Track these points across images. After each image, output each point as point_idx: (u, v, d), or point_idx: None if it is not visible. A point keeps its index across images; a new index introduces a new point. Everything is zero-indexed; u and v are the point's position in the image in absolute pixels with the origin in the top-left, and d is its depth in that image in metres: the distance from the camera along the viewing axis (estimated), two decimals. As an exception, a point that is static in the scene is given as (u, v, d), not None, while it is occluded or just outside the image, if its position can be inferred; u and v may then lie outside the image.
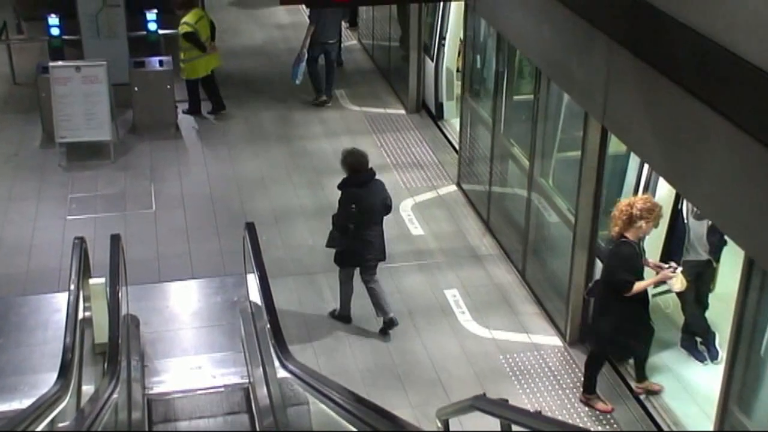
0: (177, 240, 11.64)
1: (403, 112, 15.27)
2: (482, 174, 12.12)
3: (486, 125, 11.84)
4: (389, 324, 9.84)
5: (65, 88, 13.14)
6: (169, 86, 14.26)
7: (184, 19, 14.24)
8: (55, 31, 14.25)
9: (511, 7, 9.18)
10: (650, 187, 8.83)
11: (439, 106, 14.86)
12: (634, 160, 8.98)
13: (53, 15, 14.22)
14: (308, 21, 15.53)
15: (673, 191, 8.87)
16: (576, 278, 9.51)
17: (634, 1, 6.75)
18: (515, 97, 11.20)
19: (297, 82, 15.14)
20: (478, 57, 12.32)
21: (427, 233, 11.83)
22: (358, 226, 9.61)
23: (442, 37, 14.36)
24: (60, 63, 13.44)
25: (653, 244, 9.10)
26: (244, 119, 14.99)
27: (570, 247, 9.53)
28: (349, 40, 18.56)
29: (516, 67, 11.06)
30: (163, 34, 15.44)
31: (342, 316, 10.17)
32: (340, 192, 9.78)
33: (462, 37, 14.43)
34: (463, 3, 13.76)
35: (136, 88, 14.19)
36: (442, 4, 14.17)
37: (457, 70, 14.88)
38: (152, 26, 15.16)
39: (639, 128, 7.05)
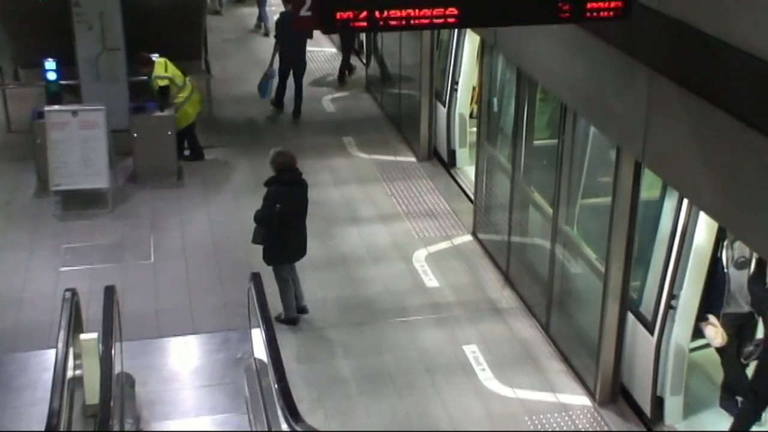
0: (177, 293, 10.97)
1: (414, 159, 14.67)
2: (500, 223, 11.47)
3: (504, 171, 11.21)
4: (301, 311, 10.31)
5: (61, 133, 12.54)
6: (170, 132, 13.67)
7: (154, 75, 13.85)
8: (51, 76, 13.68)
9: (537, 41, 8.59)
10: (688, 234, 8.15)
11: (452, 154, 14.26)
12: (669, 205, 8.32)
13: (50, 59, 13.66)
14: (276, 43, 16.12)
15: (711, 238, 8.21)
16: (607, 332, 8.82)
17: (679, 26, 6.14)
18: (536, 142, 10.60)
19: (266, 97, 16.30)
20: (495, 100, 11.72)
21: (443, 285, 11.14)
22: (284, 223, 10.02)
23: (455, 82, 13.80)
24: (56, 107, 12.86)
25: (691, 294, 8.40)
26: (249, 167, 14.38)
27: (600, 299, 8.85)
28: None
29: (537, 109, 10.47)
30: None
31: (289, 319, 10.19)
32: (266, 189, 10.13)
33: (475, 83, 13.98)
34: (478, 44, 13.32)
35: (135, 134, 13.59)
36: (454, 48, 13.62)
37: (471, 116, 14.37)
38: (153, 71, 14.56)
39: (686, 165, 6.40)
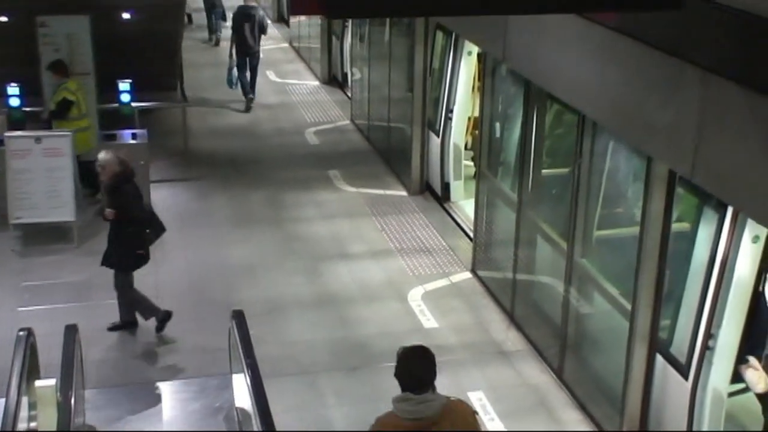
0: (150, 334, 9.94)
1: (404, 193, 13.74)
2: (503, 259, 10.54)
3: (509, 203, 10.30)
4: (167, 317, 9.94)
5: (23, 161, 11.53)
6: (143, 162, 12.67)
7: (64, 85, 12.76)
8: (14, 102, 12.71)
9: (556, 51, 7.71)
10: (728, 266, 7.22)
11: (446, 187, 13.33)
12: (705, 233, 7.39)
13: (13, 84, 12.69)
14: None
15: (754, 270, 7.27)
16: (634, 377, 7.86)
17: (741, 17, 5.25)
18: (545, 171, 9.70)
19: (233, 87, 17.52)
20: (498, 125, 10.83)
21: (443, 326, 10.17)
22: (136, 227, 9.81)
23: (449, 111, 12.91)
24: (18, 133, 11.86)
25: (731, 334, 7.44)
26: (230, 201, 13.42)
27: (624, 339, 7.90)
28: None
29: (547, 132, 9.59)
30: (138, 107, 13.91)
31: (127, 322, 9.98)
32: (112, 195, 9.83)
33: (470, 114, 13.11)
34: (474, 70, 12.49)
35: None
36: (449, 75, 12.75)
37: (466, 147, 13.49)
38: (125, 98, 13.64)
39: (751, 180, 5.48)
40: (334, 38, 19.15)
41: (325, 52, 19.40)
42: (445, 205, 13.27)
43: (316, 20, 19.79)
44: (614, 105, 6.87)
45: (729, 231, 7.06)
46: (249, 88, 17.71)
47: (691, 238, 7.58)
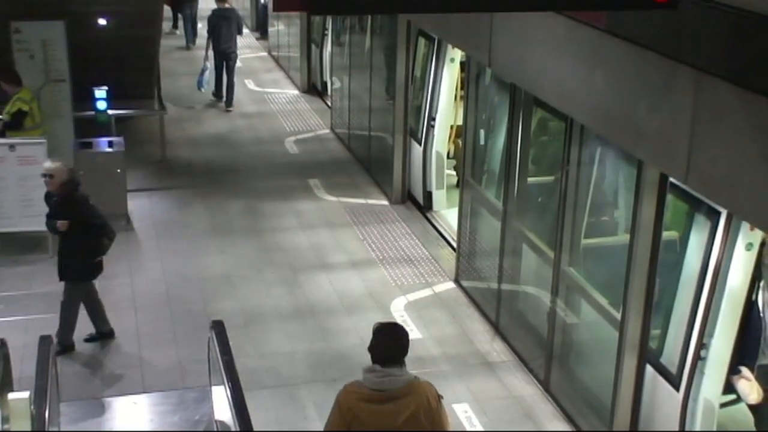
0: (125, 347, 9.69)
1: (386, 203, 13.54)
2: (488, 269, 10.35)
3: (494, 212, 10.12)
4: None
5: (-3, 169, 11.25)
6: (119, 170, 12.43)
7: (18, 95, 12.24)
8: (-15, 110, 12.43)
9: (543, 55, 7.53)
10: (721, 274, 7.06)
11: (428, 196, 13.14)
12: (696, 241, 7.23)
13: (-15, 92, 12.43)
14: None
15: (747, 278, 7.12)
16: (623, 389, 7.68)
17: (737, 15, 5.09)
18: (531, 178, 9.54)
19: (203, 90, 17.70)
20: (482, 132, 10.66)
21: (426, 337, 9.96)
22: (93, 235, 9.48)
23: (432, 119, 12.73)
24: (-9, 141, 11.57)
25: (723, 343, 7.28)
26: (207, 210, 13.17)
27: (614, 349, 7.73)
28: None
29: (533, 140, 9.43)
30: (115, 115, 13.66)
31: (104, 333, 9.76)
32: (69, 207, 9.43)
33: (453, 122, 12.95)
34: (457, 77, 12.34)
35: (81, 172, 12.27)
36: (431, 82, 12.58)
37: (448, 156, 13.32)
38: (101, 105, 13.37)
39: (747, 184, 5.31)
40: (313, 46, 18.95)
41: (305, 61, 19.19)
42: (428, 215, 13.07)
43: (296, 29, 19.60)
44: (604, 109, 6.70)
45: (722, 238, 6.91)
46: (226, 91, 17.86)
47: (682, 245, 7.43)
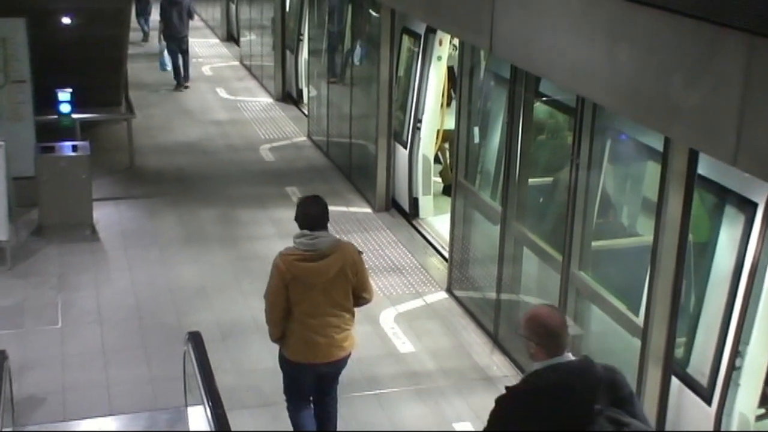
0: (91, 364, 8.82)
1: (369, 210, 12.75)
2: (484, 277, 9.60)
3: (491, 215, 9.37)
4: None
5: (-49, 174, 10.36)
6: (84, 176, 11.57)
7: None
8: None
9: (556, 33, 6.79)
10: (758, 275, 6.33)
11: (414, 203, 12.36)
12: (727, 239, 6.50)
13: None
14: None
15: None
16: (647, 403, 6.90)
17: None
18: (534, 177, 8.82)
19: (168, 69, 18.53)
20: (476, 131, 9.92)
21: (420, 350, 9.17)
22: None
23: (418, 120, 11.98)
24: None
25: (759, 351, 6.54)
26: (179, 219, 12.33)
27: (635, 360, 6.96)
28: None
29: (536, 135, 8.72)
30: (80, 119, 12.80)
31: None
32: None
33: (440, 126, 12.22)
34: (444, 74, 11.63)
35: (43, 178, 11.45)
36: (417, 81, 11.85)
37: (436, 161, 12.59)
38: (65, 108, 12.51)
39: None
40: (288, 53, 18.18)
41: (279, 68, 18.41)
42: (414, 222, 12.30)
43: (269, 38, 18.85)
44: (629, 87, 5.95)
45: (759, 235, 6.19)
46: (183, 70, 18.79)
47: (711, 243, 6.70)
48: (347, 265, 6.73)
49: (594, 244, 7.71)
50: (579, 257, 7.78)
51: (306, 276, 6.61)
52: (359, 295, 6.92)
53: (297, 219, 6.80)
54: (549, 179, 8.71)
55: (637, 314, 7.11)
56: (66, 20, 13.22)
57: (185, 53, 18.74)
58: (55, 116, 12.56)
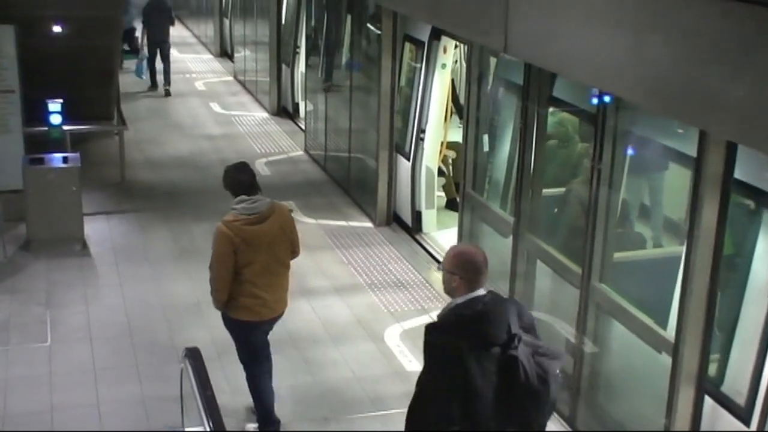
0: (80, 383, 8.33)
1: (370, 224, 12.30)
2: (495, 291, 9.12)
3: (501, 227, 8.94)
4: None
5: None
6: (75, 188, 11.10)
7: None
8: None
9: (578, 28, 6.37)
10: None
11: (417, 216, 11.91)
12: (766, 247, 6.07)
13: None
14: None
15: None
16: (678, 426, 6.45)
17: None
18: (549, 184, 8.40)
19: (143, 77, 19.07)
20: (485, 138, 9.49)
21: (428, 370, 8.67)
22: None
23: (421, 131, 11.55)
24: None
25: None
26: (171, 234, 11.85)
27: (663, 380, 6.51)
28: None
29: (550, 141, 8.30)
30: (70, 131, 12.33)
31: None
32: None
33: (443, 138, 11.83)
34: (448, 84, 11.22)
35: (31, 190, 10.97)
36: (420, 90, 11.44)
37: (440, 173, 12.17)
38: (55, 119, 12.01)
39: None
40: (283, 66, 17.75)
41: (275, 82, 17.98)
42: (417, 237, 11.85)
43: (263, 54, 18.42)
44: (661, 80, 5.53)
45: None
46: (164, 74, 19.04)
47: (748, 251, 6.27)
48: (285, 223, 7.26)
49: (616, 255, 7.27)
50: (600, 269, 7.34)
51: (253, 238, 7.01)
52: (293, 250, 7.44)
53: (230, 187, 7.14)
54: (565, 188, 8.28)
55: (664, 328, 6.67)
56: (57, 29, 12.75)
57: (166, 58, 18.98)
58: (45, 128, 12.07)
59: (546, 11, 6.86)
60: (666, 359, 6.59)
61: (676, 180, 7.03)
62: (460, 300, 5.19)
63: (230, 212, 7.08)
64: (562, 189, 8.35)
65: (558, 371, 5.16)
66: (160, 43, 18.80)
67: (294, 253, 7.46)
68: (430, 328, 5.19)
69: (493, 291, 5.29)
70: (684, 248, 6.40)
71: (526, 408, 5.04)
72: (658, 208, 7.49)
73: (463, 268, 5.19)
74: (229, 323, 7.35)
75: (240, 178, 7.12)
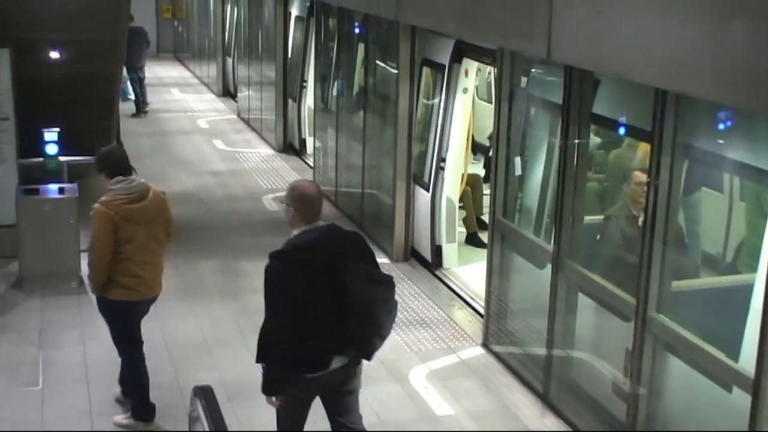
0: (75, 429, 7.51)
1: (386, 260, 11.52)
2: (530, 330, 8.38)
3: (539, 257, 8.18)
4: None
5: None
6: (72, 221, 10.36)
7: None
8: None
9: (636, 24, 5.66)
10: None
11: (437, 251, 11.15)
12: None
13: None
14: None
15: None
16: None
17: None
18: (593, 210, 7.67)
19: (130, 97, 19.60)
20: (518, 161, 8.76)
21: (459, 413, 7.90)
22: None
23: (441, 160, 10.84)
24: None
25: None
26: (176, 271, 11.05)
27: (741, 420, 5.71)
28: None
29: (594, 161, 7.58)
30: (67, 162, 11.58)
31: None
32: None
33: (465, 170, 11.14)
34: (469, 111, 10.52)
35: (24, 223, 10.22)
36: (440, 117, 10.75)
37: (460, 206, 11.44)
38: (51, 149, 11.28)
39: None
40: (290, 101, 17.10)
41: (280, 118, 17.32)
42: (437, 272, 11.08)
43: (269, 93, 17.79)
44: (746, 73, 4.82)
45: None
46: (143, 99, 20.27)
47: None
48: (161, 203, 7.48)
49: (681, 283, 6.51)
50: (657, 299, 6.57)
51: (134, 216, 7.18)
52: (167, 232, 7.65)
53: (105, 169, 7.25)
54: (615, 209, 7.53)
55: (736, 361, 5.90)
56: (55, 54, 12.04)
57: (142, 81, 20.22)
58: (40, 158, 11.34)
59: (597, 7, 6.17)
60: (737, 397, 5.81)
61: (750, 198, 6.30)
62: (296, 231, 5.84)
63: (108, 193, 7.17)
64: (614, 208, 7.60)
65: (389, 297, 5.79)
66: (135, 69, 19.72)
67: (168, 234, 7.66)
68: (270, 257, 5.66)
69: (335, 224, 5.97)
70: (757, 274, 5.67)
71: (353, 327, 5.66)
72: (724, 230, 6.74)
73: (297, 200, 5.90)
74: (107, 305, 7.42)
75: (116, 159, 7.32)
